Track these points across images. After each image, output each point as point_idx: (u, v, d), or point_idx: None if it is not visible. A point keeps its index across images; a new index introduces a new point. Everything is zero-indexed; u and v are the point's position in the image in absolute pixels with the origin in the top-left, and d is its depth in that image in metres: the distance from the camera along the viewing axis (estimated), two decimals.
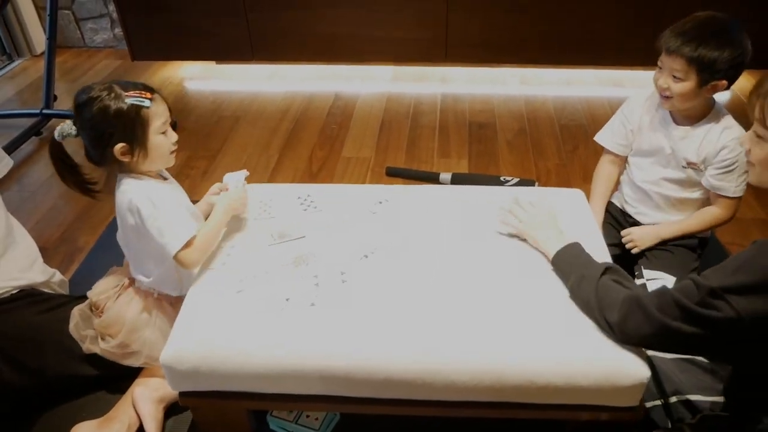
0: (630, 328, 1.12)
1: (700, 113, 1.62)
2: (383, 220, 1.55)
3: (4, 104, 3.21)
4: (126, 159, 1.38)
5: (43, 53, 3.34)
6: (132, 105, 1.33)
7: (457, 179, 2.43)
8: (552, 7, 2.99)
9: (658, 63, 1.58)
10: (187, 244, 1.38)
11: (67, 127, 1.37)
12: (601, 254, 1.41)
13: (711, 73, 1.50)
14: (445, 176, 2.45)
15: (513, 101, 3.11)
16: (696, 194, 1.71)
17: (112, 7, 3.62)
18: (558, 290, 1.32)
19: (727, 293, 0.98)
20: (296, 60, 3.39)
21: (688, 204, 1.74)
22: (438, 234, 1.50)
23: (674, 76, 1.54)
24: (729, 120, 1.61)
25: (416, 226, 1.53)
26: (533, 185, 2.37)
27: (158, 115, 1.38)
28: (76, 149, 1.44)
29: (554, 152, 2.67)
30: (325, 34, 3.19)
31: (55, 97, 2.99)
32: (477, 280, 1.36)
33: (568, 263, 1.32)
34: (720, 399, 1.29)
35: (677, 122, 1.67)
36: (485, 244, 1.47)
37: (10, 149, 2.62)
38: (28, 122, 2.83)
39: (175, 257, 1.38)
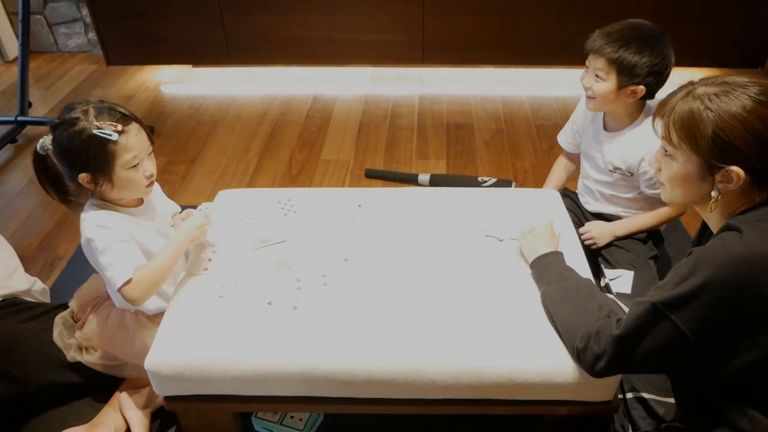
0: (587, 366, 1.14)
1: (627, 119, 1.67)
2: (363, 224, 1.58)
3: None
4: (90, 187, 1.35)
5: (16, 59, 3.30)
6: (98, 136, 1.28)
7: (436, 180, 2.46)
8: (526, 9, 3.04)
9: (586, 63, 1.64)
10: (130, 280, 1.32)
11: (48, 141, 1.34)
12: (576, 252, 1.47)
13: (630, 77, 1.54)
14: (424, 177, 2.48)
15: (490, 102, 3.16)
16: (630, 194, 1.74)
17: (85, 12, 3.59)
18: (535, 291, 1.36)
19: (671, 309, 0.98)
20: (273, 63, 3.40)
21: (621, 201, 1.78)
22: (417, 236, 1.53)
23: (597, 76, 1.59)
24: (650, 128, 1.65)
25: (395, 228, 1.56)
26: (511, 185, 2.42)
27: (127, 149, 1.31)
28: None
29: (531, 152, 2.72)
30: (302, 37, 3.20)
31: (30, 104, 2.97)
32: (456, 281, 1.39)
33: (539, 273, 1.36)
34: (672, 401, 1.33)
35: (607, 128, 1.73)
36: (464, 245, 1.51)
37: None
38: (3, 129, 2.80)
39: (120, 291, 1.32)
